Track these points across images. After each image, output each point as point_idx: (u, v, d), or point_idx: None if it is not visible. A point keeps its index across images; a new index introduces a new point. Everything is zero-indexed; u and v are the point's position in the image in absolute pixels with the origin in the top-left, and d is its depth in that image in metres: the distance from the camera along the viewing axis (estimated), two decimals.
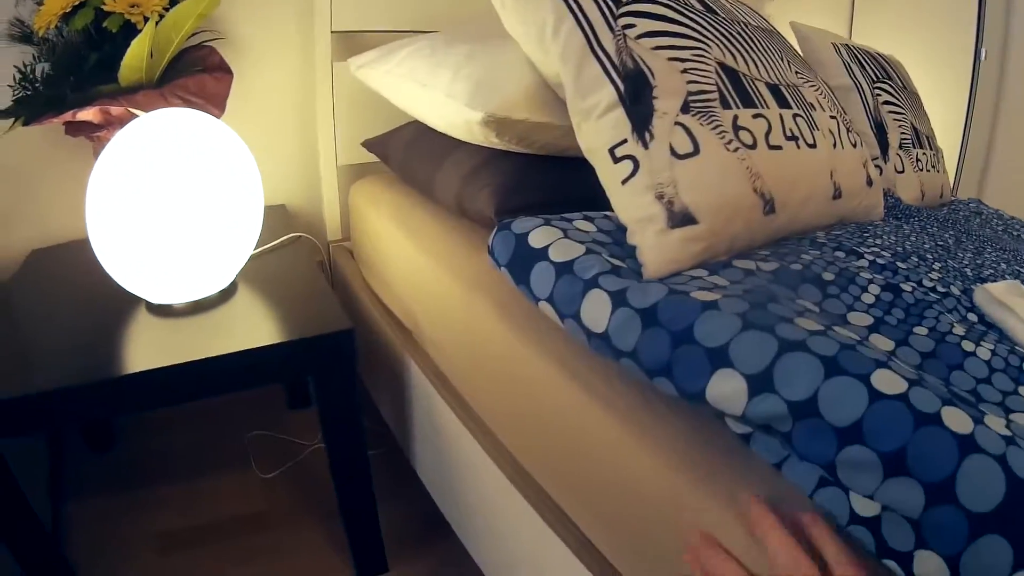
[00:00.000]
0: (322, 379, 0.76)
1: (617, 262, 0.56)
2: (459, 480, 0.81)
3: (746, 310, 0.45)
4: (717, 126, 0.62)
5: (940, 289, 0.63)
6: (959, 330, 0.53)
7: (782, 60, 0.79)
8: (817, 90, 0.81)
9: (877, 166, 1.16)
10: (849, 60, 1.23)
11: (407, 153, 0.94)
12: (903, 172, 1.16)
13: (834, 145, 0.75)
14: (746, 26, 0.79)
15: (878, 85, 1.23)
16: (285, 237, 0.97)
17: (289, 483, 1.05)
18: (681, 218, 0.57)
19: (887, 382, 0.38)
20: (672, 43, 0.66)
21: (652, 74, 0.62)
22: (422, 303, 0.86)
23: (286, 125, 1.14)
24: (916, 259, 0.70)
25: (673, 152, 0.59)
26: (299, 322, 0.75)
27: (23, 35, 0.83)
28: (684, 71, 0.64)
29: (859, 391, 0.38)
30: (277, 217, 1.08)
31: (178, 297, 0.75)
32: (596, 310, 0.51)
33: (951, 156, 2.00)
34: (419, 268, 0.84)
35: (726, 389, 0.42)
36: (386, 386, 1.00)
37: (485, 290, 0.71)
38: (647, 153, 0.59)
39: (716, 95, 0.64)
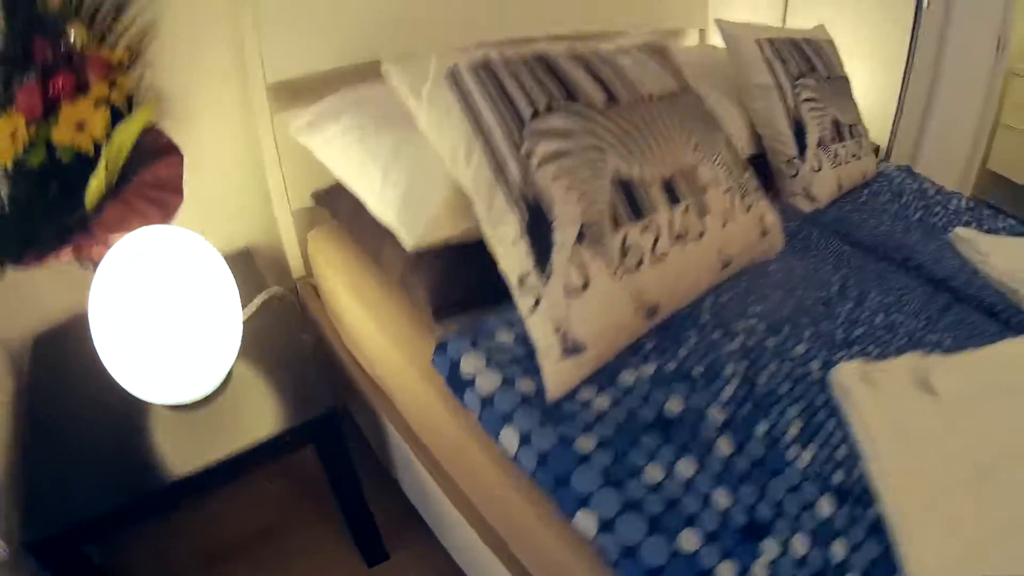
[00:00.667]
0: (318, 447, 0.92)
1: (527, 390, 0.70)
2: (428, 501, 0.99)
3: (609, 464, 0.61)
4: (607, 255, 0.73)
5: (799, 371, 0.77)
6: (794, 429, 0.69)
7: (682, 137, 0.87)
8: (715, 161, 0.90)
9: (794, 167, 1.26)
10: (772, 57, 1.27)
11: (354, 218, 1.02)
12: (820, 170, 1.26)
13: (724, 224, 0.86)
14: (650, 103, 0.86)
15: (800, 81, 1.28)
16: (259, 298, 1.07)
17: (292, 491, 1.24)
18: (573, 348, 0.70)
19: (687, 540, 0.55)
20: (571, 165, 0.75)
21: (552, 205, 0.72)
22: (381, 367, 1.00)
23: (239, 172, 1.20)
24: (788, 328, 0.83)
25: (567, 288, 0.71)
26: (291, 405, 0.88)
27: None
28: (581, 196, 0.74)
29: (665, 547, 0.55)
30: (244, 263, 1.18)
31: (184, 397, 0.88)
32: (509, 442, 0.67)
33: (889, 111, 2.07)
34: (378, 344, 0.97)
35: (585, 522, 0.60)
36: (364, 412, 1.16)
37: (435, 381, 0.83)
38: (547, 289, 0.71)
39: (609, 216, 0.75)
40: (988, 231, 1.28)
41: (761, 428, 0.69)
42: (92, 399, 0.91)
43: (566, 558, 0.64)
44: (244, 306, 1.00)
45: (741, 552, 0.56)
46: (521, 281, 0.72)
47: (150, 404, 0.90)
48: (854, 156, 1.34)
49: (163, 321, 0.78)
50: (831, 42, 1.48)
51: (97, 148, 0.90)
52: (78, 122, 0.88)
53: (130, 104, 0.99)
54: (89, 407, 0.90)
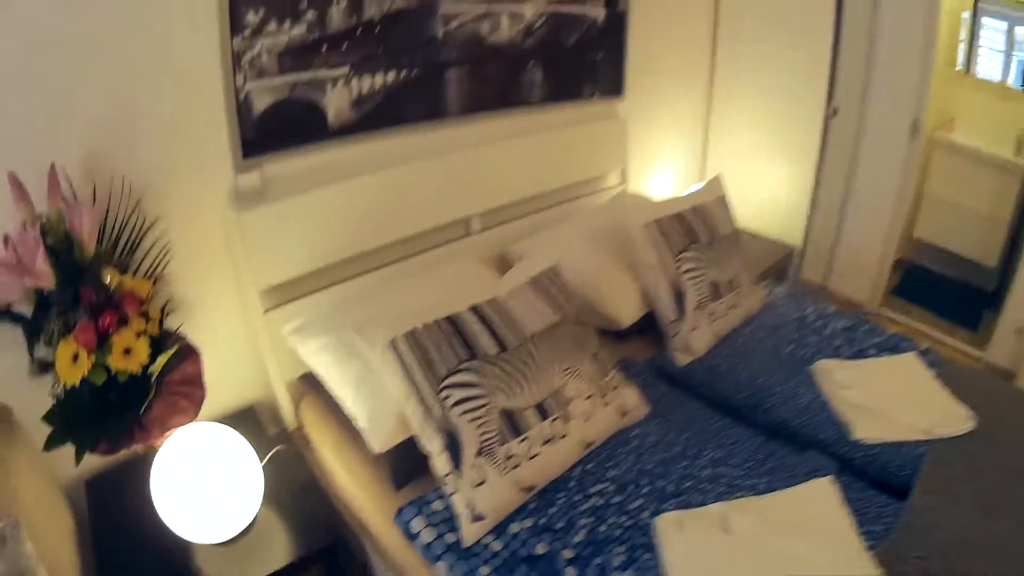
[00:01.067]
0: (326, 568, 1.26)
1: (452, 540, 1.07)
2: None
3: None
4: (496, 462, 1.09)
5: (631, 520, 1.10)
6: (618, 560, 1.01)
7: (555, 366, 1.22)
8: (580, 376, 1.24)
9: (675, 328, 1.59)
10: (657, 238, 1.61)
11: (335, 402, 1.36)
12: (697, 328, 1.59)
13: (586, 420, 1.21)
14: (531, 343, 1.20)
15: (682, 255, 1.62)
16: (269, 455, 1.39)
17: None
18: (478, 517, 1.07)
19: None
20: (473, 406, 1.11)
21: (460, 433, 1.09)
22: (361, 512, 1.31)
23: (245, 355, 1.52)
24: (632, 487, 1.16)
25: (472, 483, 1.07)
26: (303, 536, 1.21)
27: (43, 368, 1.24)
28: (479, 426, 1.10)
29: None
30: (250, 419, 1.52)
31: (222, 537, 1.21)
32: (442, 570, 1.05)
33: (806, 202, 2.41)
34: (357, 496, 1.31)
35: None
36: (354, 539, 1.45)
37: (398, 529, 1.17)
38: (460, 483, 1.08)
39: (497, 437, 1.11)
40: (859, 351, 1.61)
41: (596, 561, 1.02)
42: (146, 538, 1.24)
43: None
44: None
45: None
46: (444, 477, 1.09)
47: (195, 544, 1.23)
48: (732, 307, 1.66)
49: (209, 491, 1.14)
50: (722, 197, 1.83)
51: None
52: (125, 348, 1.25)
53: (162, 317, 1.35)
54: (144, 544, 1.24)
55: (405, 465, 1.23)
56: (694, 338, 1.58)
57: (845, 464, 1.32)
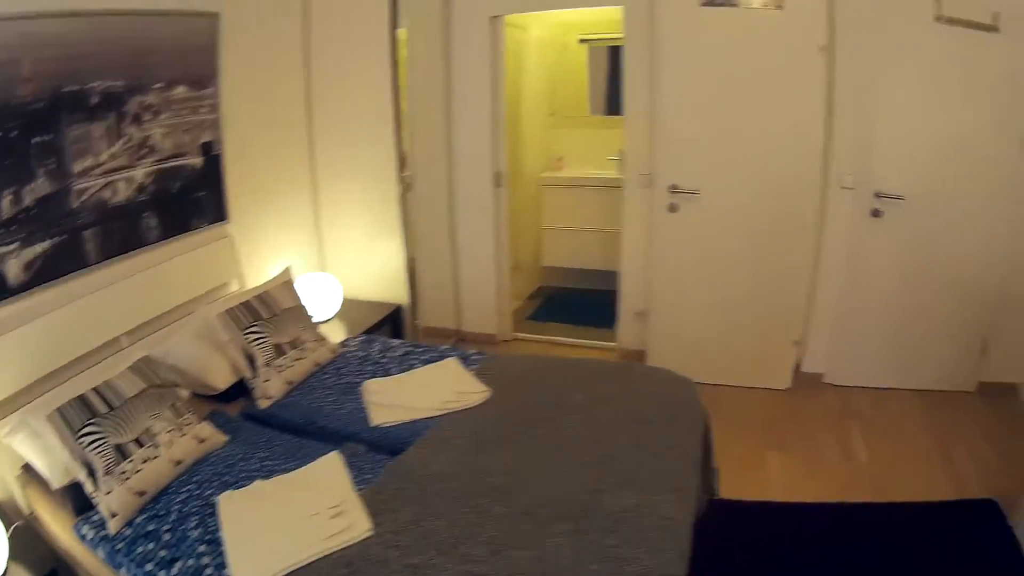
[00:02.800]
0: None
1: (104, 533, 1.65)
2: None
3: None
4: (116, 478, 1.69)
5: (202, 504, 1.76)
6: (197, 532, 1.66)
7: (144, 413, 1.85)
8: (163, 419, 1.90)
9: (254, 382, 2.28)
10: (228, 321, 2.29)
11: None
12: (269, 380, 2.31)
13: (170, 447, 1.86)
14: (130, 402, 1.82)
15: (249, 329, 2.33)
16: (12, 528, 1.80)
17: None
18: (112, 515, 1.67)
19: None
20: (97, 444, 1.70)
21: (93, 463, 1.68)
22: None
23: None
24: (208, 483, 1.83)
25: (104, 493, 1.67)
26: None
27: None
28: (102, 457, 1.69)
29: None
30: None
31: None
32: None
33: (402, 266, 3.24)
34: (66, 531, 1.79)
35: None
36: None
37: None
38: (99, 494, 1.66)
39: (113, 462, 1.71)
40: (408, 367, 2.44)
41: (181, 527, 1.65)
42: None
43: None
44: None
45: None
46: (92, 493, 1.68)
47: None
48: (298, 360, 2.42)
49: None
50: (288, 282, 2.60)
51: None
52: None
53: None
54: None
55: (78, 497, 1.75)
56: (269, 387, 2.31)
57: (371, 445, 1.98)
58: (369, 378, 2.38)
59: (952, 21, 2.67)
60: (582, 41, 4.42)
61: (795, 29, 2.83)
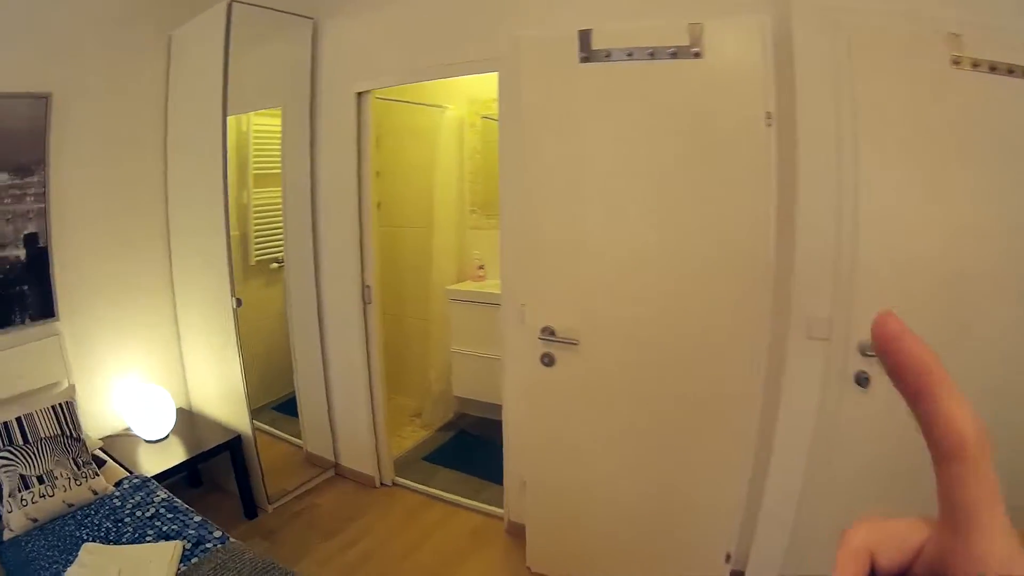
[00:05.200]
0: None
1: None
2: None
3: None
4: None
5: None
6: None
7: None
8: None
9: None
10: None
11: None
12: (12, 512, 2.12)
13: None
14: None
15: None
16: None
17: None
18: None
19: None
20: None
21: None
22: None
23: None
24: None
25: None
26: None
27: None
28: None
29: None
30: None
31: None
32: None
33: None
34: None
35: None
36: None
37: None
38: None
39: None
40: (140, 536, 2.13)
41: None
42: None
43: None
44: None
45: None
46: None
47: None
48: (44, 496, 2.25)
49: None
50: (55, 406, 2.47)
51: None
52: None
53: None
54: None
55: None
56: (11, 519, 2.14)
57: None
58: (97, 539, 2.08)
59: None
60: (484, 118, 3.52)
61: (726, 87, 1.84)
